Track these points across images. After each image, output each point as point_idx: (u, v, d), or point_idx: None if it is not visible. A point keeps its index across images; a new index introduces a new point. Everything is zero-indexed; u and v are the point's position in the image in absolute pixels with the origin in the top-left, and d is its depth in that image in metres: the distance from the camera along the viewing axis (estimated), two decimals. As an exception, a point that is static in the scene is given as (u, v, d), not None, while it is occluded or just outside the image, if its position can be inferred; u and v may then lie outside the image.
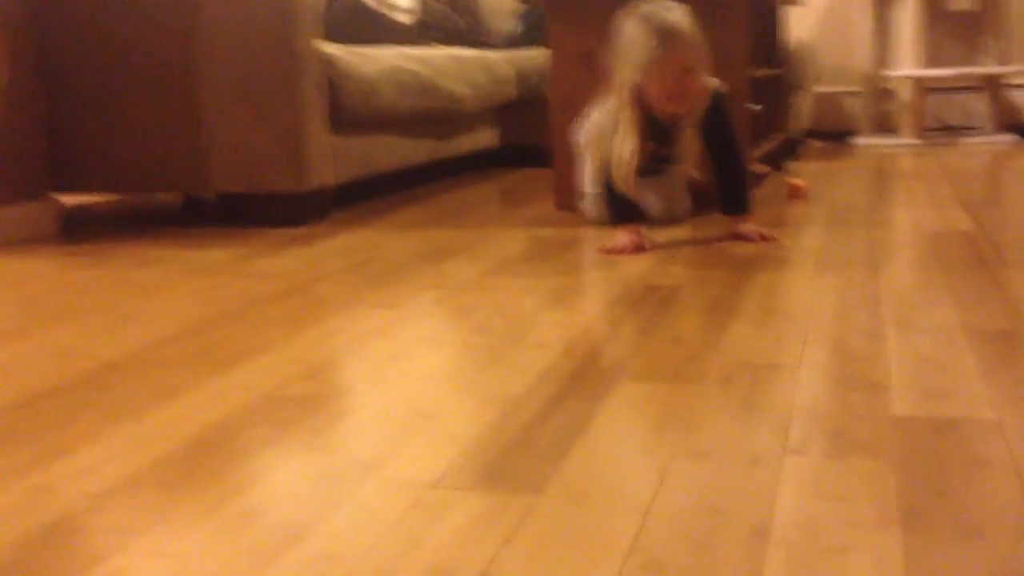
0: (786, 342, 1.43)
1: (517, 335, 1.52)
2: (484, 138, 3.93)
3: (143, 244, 2.50)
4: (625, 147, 2.20)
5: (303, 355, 1.47)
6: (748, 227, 2.24)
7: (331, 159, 2.77)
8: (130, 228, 2.85)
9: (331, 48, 2.81)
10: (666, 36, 2.13)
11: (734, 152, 2.32)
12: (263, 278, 2.04)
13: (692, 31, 2.17)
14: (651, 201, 2.42)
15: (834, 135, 4.63)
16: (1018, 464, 0.97)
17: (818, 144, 4.47)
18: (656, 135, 2.26)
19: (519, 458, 1.04)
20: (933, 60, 4.46)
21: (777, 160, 3.46)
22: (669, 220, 2.44)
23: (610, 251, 2.15)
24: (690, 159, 2.32)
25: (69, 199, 2.92)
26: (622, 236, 2.18)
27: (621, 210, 2.25)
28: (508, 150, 4.09)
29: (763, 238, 2.20)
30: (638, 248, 2.15)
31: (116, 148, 2.77)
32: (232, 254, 2.31)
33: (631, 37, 2.17)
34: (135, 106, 2.74)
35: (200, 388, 1.33)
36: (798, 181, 2.86)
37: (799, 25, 4.40)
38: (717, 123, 2.28)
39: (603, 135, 2.26)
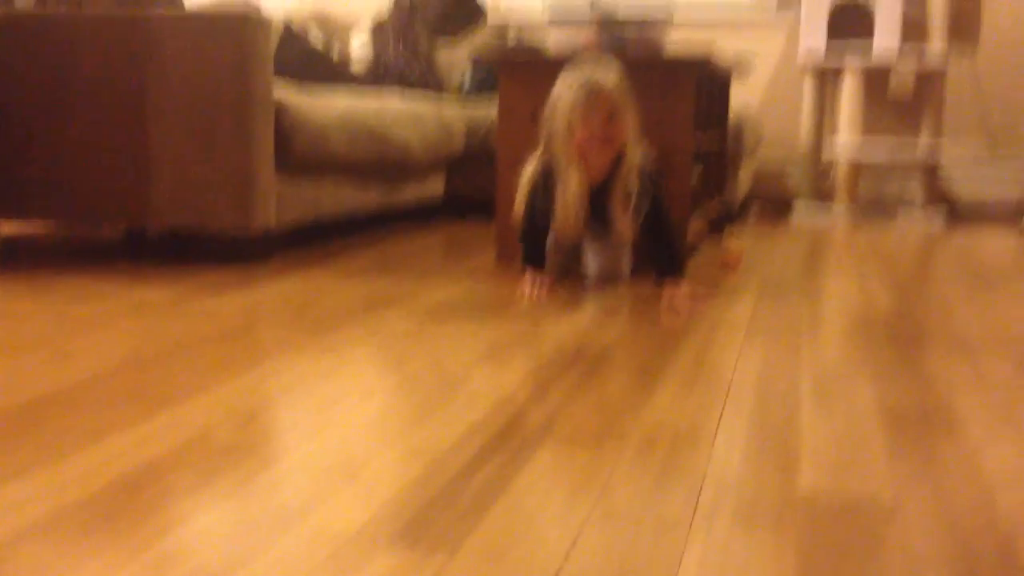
0: (707, 409, 1.48)
1: (449, 389, 1.56)
2: (431, 187, 3.98)
3: (83, 277, 2.50)
4: (571, 187, 2.36)
5: (235, 400, 1.49)
6: (681, 291, 2.34)
7: (278, 201, 2.80)
8: (70, 260, 2.85)
9: (285, 91, 2.84)
10: (590, 85, 2.33)
11: (665, 219, 2.44)
12: (202, 318, 2.05)
13: (617, 84, 2.35)
14: (591, 262, 2.53)
15: (773, 203, 4.76)
16: (910, 549, 1.02)
17: (757, 212, 4.59)
18: (588, 193, 2.39)
19: (439, 515, 1.07)
20: (871, 135, 4.62)
21: (716, 227, 3.55)
22: (607, 281, 2.52)
23: (521, 291, 2.40)
24: (623, 222, 2.41)
25: (8, 227, 2.90)
26: (528, 278, 2.43)
27: (529, 254, 2.48)
28: (454, 200, 4.15)
29: (692, 301, 2.30)
30: (545, 290, 2.39)
31: (61, 176, 2.77)
32: (172, 292, 2.32)
33: (561, 89, 2.37)
34: (84, 136, 2.75)
35: (130, 429, 1.34)
36: (734, 249, 2.94)
37: (743, 96, 4.53)
38: (648, 189, 2.40)
39: (529, 182, 2.44)
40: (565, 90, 2.35)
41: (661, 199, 2.43)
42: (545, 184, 2.41)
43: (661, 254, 2.42)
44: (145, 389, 1.53)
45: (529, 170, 2.47)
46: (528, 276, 2.45)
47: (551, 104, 2.38)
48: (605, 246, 2.55)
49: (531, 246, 2.50)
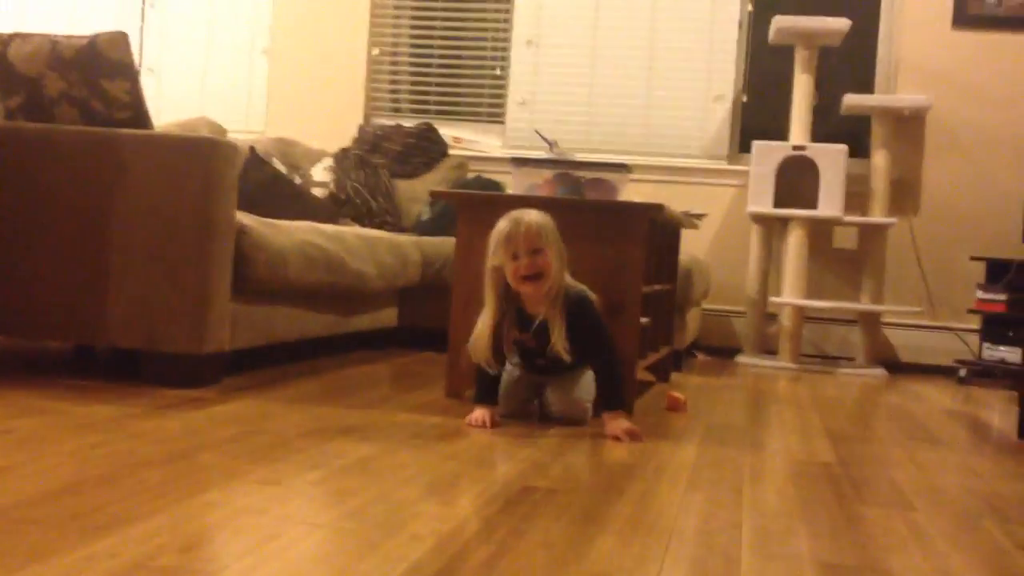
0: (648, 559, 1.49)
1: (392, 525, 1.56)
2: (385, 317, 4.02)
3: (28, 392, 2.48)
4: (484, 319, 2.49)
5: (177, 526, 1.48)
6: (618, 424, 2.44)
7: (232, 324, 2.81)
8: (15, 373, 2.82)
9: (246, 218, 2.89)
10: (516, 221, 2.46)
11: (605, 352, 2.54)
12: (147, 440, 2.04)
13: (539, 220, 2.48)
14: (550, 399, 2.57)
15: (719, 351, 4.85)
16: None
17: (703, 358, 4.67)
18: (530, 330, 2.51)
19: (379, 655, 1.07)
20: (814, 291, 4.76)
21: (663, 371, 3.61)
22: (567, 417, 2.56)
23: (469, 423, 2.47)
24: (563, 351, 2.48)
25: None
26: (476, 412, 2.50)
27: (481, 390, 2.55)
28: (407, 331, 4.18)
29: (631, 436, 2.41)
30: (492, 424, 2.46)
31: (15, 291, 2.77)
32: (119, 411, 2.31)
33: (494, 229, 2.49)
34: (43, 251, 2.76)
35: (69, 552, 1.33)
36: (679, 394, 2.99)
37: (694, 245, 4.66)
38: (586, 324, 2.51)
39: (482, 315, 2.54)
40: (498, 225, 2.49)
41: (598, 328, 2.53)
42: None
43: (602, 384, 2.53)
44: (87, 512, 1.52)
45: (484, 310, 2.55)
46: (476, 412, 2.50)
47: (489, 241, 2.51)
48: (564, 380, 2.60)
49: (483, 382, 2.55)
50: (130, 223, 2.72)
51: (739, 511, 1.82)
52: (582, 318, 2.51)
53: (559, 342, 2.47)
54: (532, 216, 2.48)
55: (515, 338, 2.54)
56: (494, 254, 2.47)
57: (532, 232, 2.45)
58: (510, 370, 2.62)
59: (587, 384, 2.60)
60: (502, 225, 2.48)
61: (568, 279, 2.53)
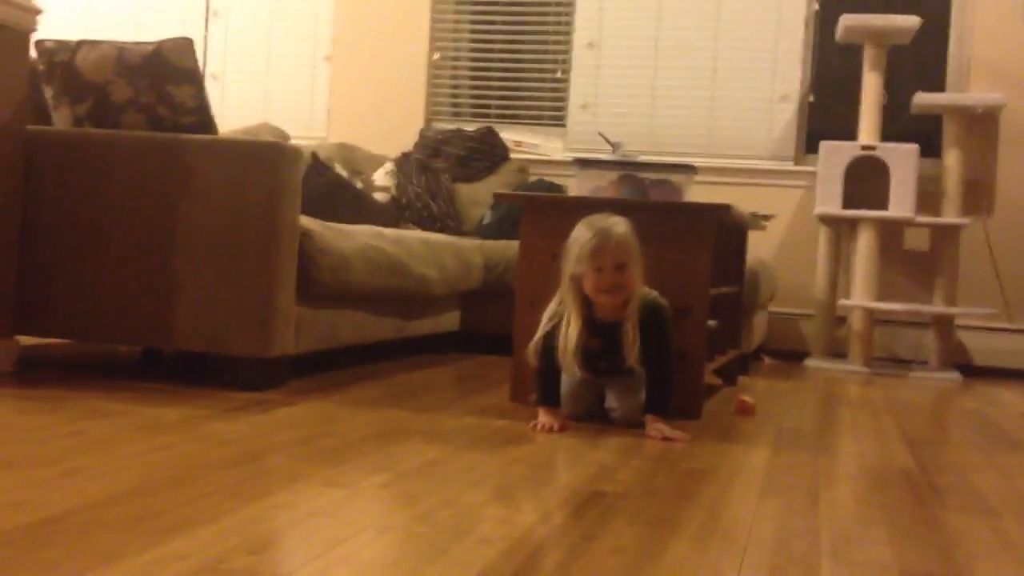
0: (723, 565, 1.45)
1: (461, 529, 1.53)
2: (448, 321, 4.00)
3: (98, 395, 2.50)
4: (571, 331, 2.47)
5: (246, 529, 1.46)
6: (657, 427, 2.45)
7: (296, 328, 2.81)
8: (86, 376, 2.85)
9: (309, 222, 2.89)
10: (601, 234, 2.43)
11: (665, 360, 2.53)
12: (214, 443, 2.04)
13: (627, 235, 2.45)
14: (613, 402, 2.55)
15: (787, 355, 4.76)
16: None
17: (771, 362, 4.59)
18: (600, 334, 2.50)
19: (452, 662, 1.04)
20: (885, 293, 4.65)
21: (730, 375, 3.55)
22: (629, 421, 2.53)
23: (534, 427, 2.43)
24: (633, 355, 2.49)
25: (27, 339, 2.92)
26: (542, 416, 2.47)
27: (545, 393, 2.53)
28: (470, 335, 4.16)
29: (667, 439, 2.40)
30: (560, 428, 2.43)
31: (85, 296, 2.80)
32: (186, 414, 2.31)
33: (574, 236, 2.47)
34: (111, 256, 2.78)
35: (139, 554, 1.32)
36: (748, 398, 2.93)
37: (760, 248, 4.58)
38: (654, 331, 2.50)
39: (551, 319, 2.52)
40: (576, 237, 2.46)
41: (665, 337, 2.52)
42: (553, 335, 2.50)
43: (654, 387, 2.52)
44: (156, 513, 1.51)
45: (549, 310, 2.55)
46: (541, 415, 2.47)
47: (566, 248, 2.49)
48: (626, 384, 2.57)
49: (546, 385, 2.54)
50: (196, 228, 2.73)
51: (816, 517, 1.76)
52: (654, 327, 2.50)
53: (632, 352, 2.47)
54: (620, 229, 2.45)
55: (596, 346, 2.52)
56: (578, 262, 2.43)
57: (621, 248, 2.43)
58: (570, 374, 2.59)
59: (642, 385, 2.57)
60: (588, 235, 2.43)
61: (641, 286, 2.51)
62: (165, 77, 2.88)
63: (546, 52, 5.28)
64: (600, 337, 2.51)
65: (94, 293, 2.79)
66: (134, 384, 2.71)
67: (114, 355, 3.32)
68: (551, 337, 2.51)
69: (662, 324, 2.52)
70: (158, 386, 2.70)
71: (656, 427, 2.45)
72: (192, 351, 2.79)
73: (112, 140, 2.83)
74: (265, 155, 2.75)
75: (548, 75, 5.26)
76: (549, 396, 2.53)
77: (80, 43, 2.94)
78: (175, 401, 2.47)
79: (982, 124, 4.70)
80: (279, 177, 2.72)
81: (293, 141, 4.16)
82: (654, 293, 2.54)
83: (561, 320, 2.50)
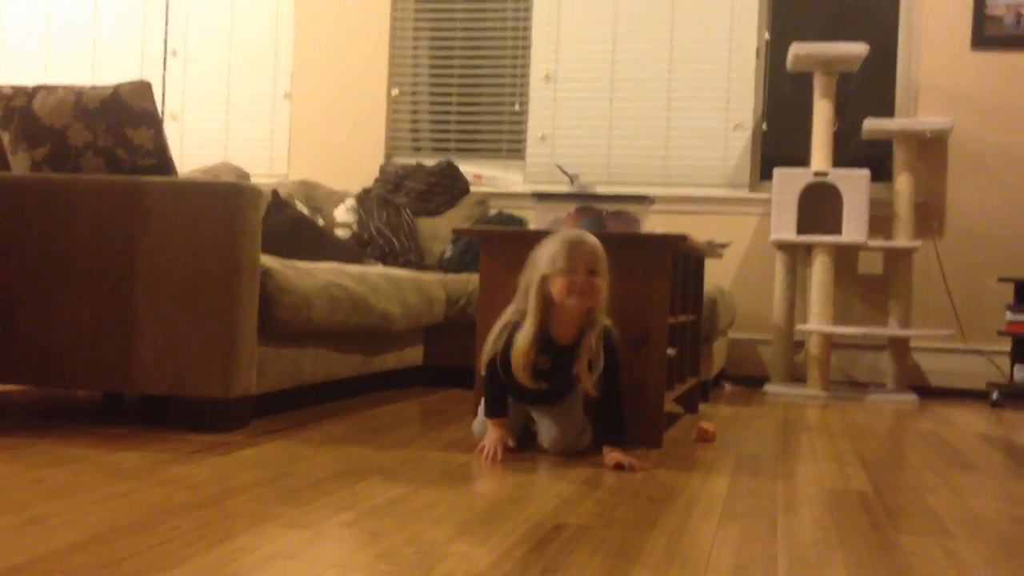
0: (683, 594, 1.47)
1: (424, 566, 1.55)
2: (411, 355, 4.02)
3: (58, 441, 2.49)
4: (525, 333, 2.45)
5: (209, 573, 1.47)
6: (614, 456, 2.46)
7: (258, 367, 2.82)
8: (46, 422, 2.84)
9: (270, 261, 2.90)
10: (575, 240, 2.45)
11: (615, 386, 2.55)
12: (177, 487, 2.04)
13: (599, 246, 2.47)
14: (546, 431, 2.57)
15: (747, 380, 4.81)
16: None
17: (731, 388, 4.64)
18: (550, 353, 2.50)
19: None
20: (841, 317, 4.73)
21: (691, 402, 3.59)
22: (562, 451, 2.56)
23: (480, 452, 2.48)
24: (587, 381, 2.52)
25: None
26: (490, 434, 2.52)
27: (493, 403, 2.56)
28: (434, 369, 4.18)
29: (630, 467, 2.41)
30: (503, 449, 2.47)
31: (46, 342, 2.79)
32: (148, 458, 2.31)
33: (544, 245, 2.48)
34: (71, 301, 2.78)
35: (102, 602, 1.32)
36: (708, 425, 2.97)
37: (718, 275, 4.65)
38: (608, 358, 2.52)
39: (502, 331, 2.52)
40: (548, 245, 2.47)
41: (618, 365, 2.54)
42: (512, 336, 2.50)
43: (607, 418, 2.55)
44: (119, 561, 1.52)
45: (499, 322, 2.56)
46: (489, 432, 2.53)
47: (530, 258, 2.50)
48: (562, 412, 2.59)
49: (494, 395, 2.56)
50: (156, 270, 2.74)
51: (774, 542, 1.80)
52: (608, 355, 2.52)
53: (585, 376, 2.49)
54: (592, 238, 2.49)
55: (532, 358, 2.50)
56: (552, 262, 2.43)
57: (596, 254, 2.45)
58: None
59: (578, 417, 2.61)
60: (561, 239, 2.46)
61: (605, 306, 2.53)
62: (123, 120, 2.89)
63: (504, 85, 5.34)
64: (550, 356, 2.51)
65: (53, 338, 2.78)
66: (94, 429, 2.71)
67: (73, 399, 3.31)
68: (501, 347, 2.51)
69: (614, 351, 2.54)
70: (119, 430, 2.69)
71: (614, 457, 2.46)
72: (153, 393, 2.79)
73: (71, 184, 2.84)
74: (224, 195, 2.76)
75: (506, 108, 5.32)
76: (496, 408, 2.56)
77: (37, 88, 2.94)
78: (136, 445, 2.47)
79: (931, 148, 4.81)
80: (239, 217, 2.74)
81: (254, 179, 4.18)
82: (608, 320, 2.56)
83: (513, 331, 2.49)
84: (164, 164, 2.93)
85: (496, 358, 2.52)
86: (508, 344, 2.49)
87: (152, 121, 2.93)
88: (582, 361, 2.49)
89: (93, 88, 2.94)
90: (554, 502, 2.06)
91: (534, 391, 2.54)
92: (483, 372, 2.58)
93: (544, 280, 2.44)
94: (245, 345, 2.74)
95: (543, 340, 2.49)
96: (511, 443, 2.54)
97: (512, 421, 2.61)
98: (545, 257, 2.45)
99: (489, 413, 2.56)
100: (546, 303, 2.46)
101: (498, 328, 2.54)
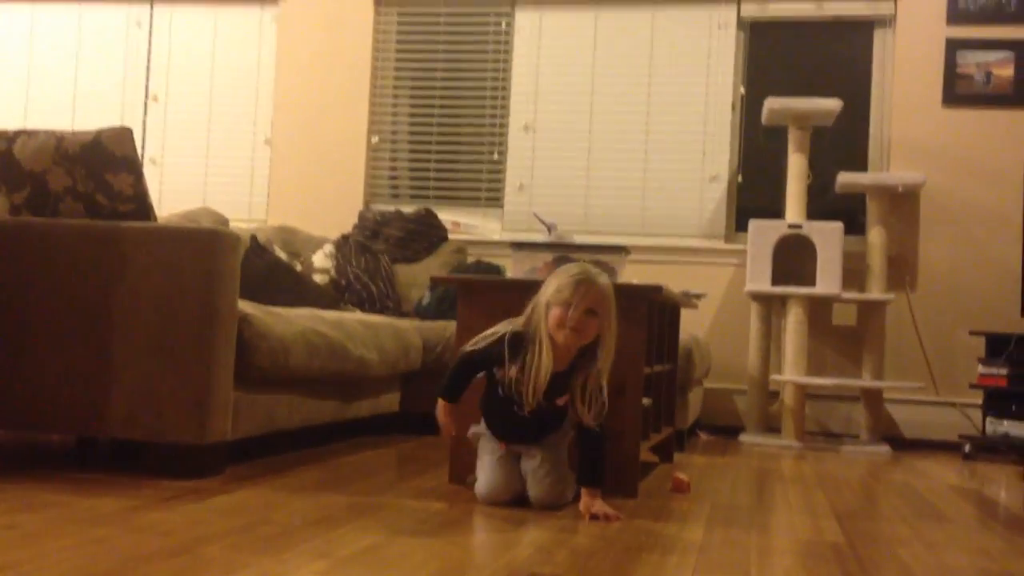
0: (657, 645, 1.48)
1: (399, 617, 1.55)
2: (387, 402, 4.02)
3: (31, 486, 2.47)
4: (546, 360, 2.46)
5: (183, 622, 1.47)
6: (595, 505, 2.47)
7: (234, 414, 2.81)
8: (19, 467, 2.81)
9: (248, 307, 2.91)
10: (584, 278, 2.47)
11: (601, 430, 2.55)
12: (150, 534, 2.03)
13: (610, 289, 2.49)
14: (534, 484, 2.55)
15: (723, 430, 4.83)
16: None
17: (707, 438, 4.65)
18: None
19: None
20: (816, 367, 4.76)
21: (666, 452, 3.60)
22: (550, 504, 2.55)
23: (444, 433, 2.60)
24: (582, 411, 2.51)
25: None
26: (442, 413, 2.59)
27: (453, 389, 2.60)
28: (410, 416, 4.17)
29: (606, 518, 2.42)
30: (447, 426, 2.59)
31: (19, 387, 2.77)
32: (122, 504, 2.30)
33: (556, 274, 2.52)
34: (46, 345, 2.77)
35: (74, 650, 1.32)
36: (683, 475, 2.98)
37: (694, 325, 4.68)
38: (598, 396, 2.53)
39: (492, 335, 2.54)
40: (560, 274, 2.50)
41: (604, 407, 2.54)
42: (513, 347, 2.50)
43: (586, 461, 2.54)
44: (91, 608, 1.51)
45: (495, 329, 2.56)
46: (440, 411, 2.59)
47: (545, 283, 2.52)
48: (551, 463, 2.58)
49: (458, 383, 2.60)
50: (132, 315, 2.74)
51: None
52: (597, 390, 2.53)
53: (582, 408, 2.50)
54: (605, 280, 2.51)
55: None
56: (557, 292, 2.45)
57: (601, 295, 2.47)
58: (491, 449, 2.62)
59: (564, 470, 2.61)
60: (573, 273, 2.48)
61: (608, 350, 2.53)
62: (104, 166, 2.90)
63: (483, 134, 5.39)
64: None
65: (28, 382, 2.77)
66: (68, 474, 2.69)
67: (47, 445, 3.28)
68: (495, 351, 2.51)
69: (603, 388, 2.54)
70: (93, 476, 2.67)
71: (594, 505, 2.46)
72: (127, 439, 2.77)
73: (50, 228, 2.84)
74: (202, 241, 2.77)
75: (485, 157, 5.37)
76: (454, 394, 2.59)
77: (18, 132, 2.95)
78: (110, 491, 2.46)
79: (903, 202, 4.88)
80: (216, 263, 2.75)
81: (233, 224, 4.20)
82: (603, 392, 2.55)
83: (511, 344, 2.49)
84: (144, 210, 2.94)
85: (475, 355, 2.55)
86: (496, 356, 2.50)
87: (132, 167, 2.95)
88: (575, 389, 2.50)
89: (74, 133, 2.96)
90: (529, 550, 2.06)
91: (518, 424, 2.55)
92: (456, 361, 2.60)
93: (546, 307, 2.47)
94: (221, 391, 2.74)
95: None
96: (452, 431, 2.62)
97: (508, 478, 2.59)
98: (553, 285, 2.48)
99: (446, 394, 2.59)
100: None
101: (492, 335, 2.54)
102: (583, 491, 2.51)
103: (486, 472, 2.60)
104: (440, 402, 2.61)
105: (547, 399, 2.52)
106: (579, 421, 2.52)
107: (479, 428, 2.67)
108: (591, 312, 2.45)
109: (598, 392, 2.51)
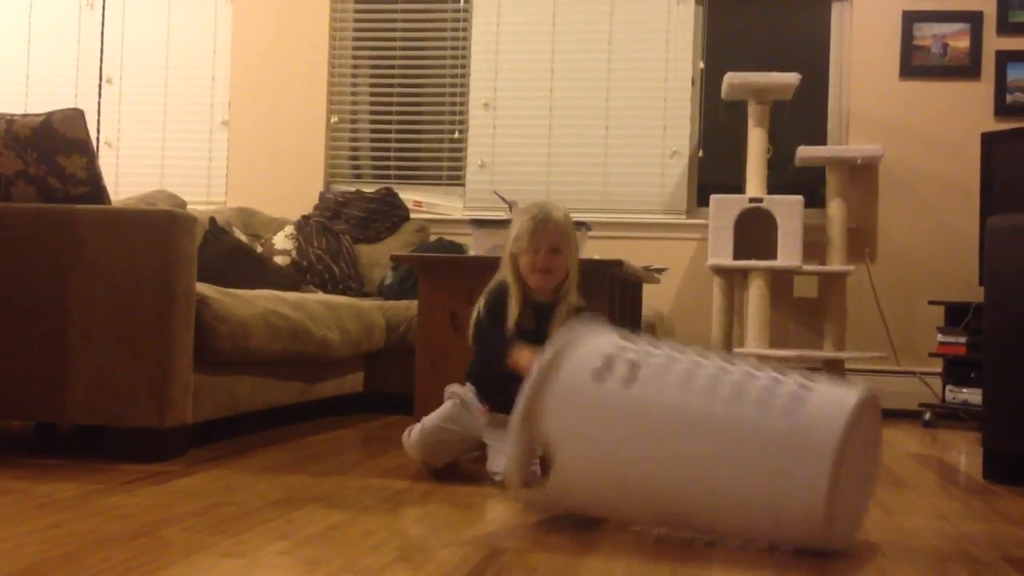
0: (618, 615, 1.49)
1: (360, 594, 1.54)
2: (351, 382, 4.00)
3: (-13, 472, 2.45)
4: (511, 306, 2.55)
5: (141, 604, 1.45)
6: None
7: (195, 396, 2.79)
8: (-25, 453, 2.78)
9: (207, 289, 2.88)
10: (540, 217, 2.54)
11: None
12: (110, 517, 2.01)
13: (564, 221, 2.56)
14: (493, 459, 2.56)
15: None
16: None
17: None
18: (533, 310, 2.58)
19: None
20: (778, 340, 4.80)
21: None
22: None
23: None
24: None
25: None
26: (523, 358, 2.40)
27: (500, 343, 2.52)
28: (374, 396, 4.16)
29: None
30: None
31: (-26, 371, 2.74)
32: (81, 489, 2.28)
33: (514, 220, 2.60)
34: (0, 330, 2.73)
35: (30, 635, 1.30)
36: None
37: (657, 300, 4.70)
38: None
39: (487, 292, 2.61)
40: (517, 219, 2.59)
41: None
42: (496, 303, 2.57)
43: None
44: (48, 593, 1.49)
45: (486, 291, 2.62)
46: (522, 354, 2.44)
47: (510, 232, 2.60)
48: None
49: (495, 337, 2.56)
50: (89, 299, 2.71)
51: (711, 560, 1.82)
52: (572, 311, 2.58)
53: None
54: (558, 215, 2.57)
55: (518, 319, 2.58)
56: (516, 241, 2.55)
57: (558, 231, 2.54)
58: (466, 414, 2.62)
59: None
60: (528, 216, 2.55)
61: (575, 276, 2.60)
62: (55, 148, 2.86)
63: (443, 113, 5.36)
64: (532, 311, 2.58)
65: (-16, 368, 2.73)
66: (27, 460, 2.66)
67: (5, 431, 3.24)
68: (488, 314, 2.57)
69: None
70: (52, 461, 2.64)
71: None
72: (86, 424, 2.75)
73: (1, 212, 2.80)
74: (158, 223, 2.74)
75: (446, 135, 5.34)
76: (505, 343, 2.52)
77: (-34, 115, 2.90)
78: (70, 476, 2.43)
79: (862, 175, 4.92)
80: (173, 245, 2.72)
81: (191, 207, 4.15)
82: (582, 302, 2.62)
83: (495, 294, 2.58)
84: (97, 193, 2.90)
85: (481, 318, 2.58)
86: (495, 302, 2.56)
87: (85, 149, 2.90)
88: (557, 321, 2.54)
89: (24, 116, 2.91)
90: (491, 526, 2.07)
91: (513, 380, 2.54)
92: (472, 332, 2.61)
93: (513, 258, 2.56)
94: (181, 374, 2.72)
95: (526, 301, 2.58)
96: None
97: (461, 443, 2.63)
98: (513, 234, 2.57)
99: (510, 341, 2.51)
100: (520, 276, 2.57)
101: (485, 291, 2.61)
102: None
103: (442, 421, 2.61)
104: (515, 352, 2.47)
105: (539, 330, 2.54)
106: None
107: (459, 389, 2.65)
108: (555, 251, 2.53)
109: (573, 312, 2.57)
